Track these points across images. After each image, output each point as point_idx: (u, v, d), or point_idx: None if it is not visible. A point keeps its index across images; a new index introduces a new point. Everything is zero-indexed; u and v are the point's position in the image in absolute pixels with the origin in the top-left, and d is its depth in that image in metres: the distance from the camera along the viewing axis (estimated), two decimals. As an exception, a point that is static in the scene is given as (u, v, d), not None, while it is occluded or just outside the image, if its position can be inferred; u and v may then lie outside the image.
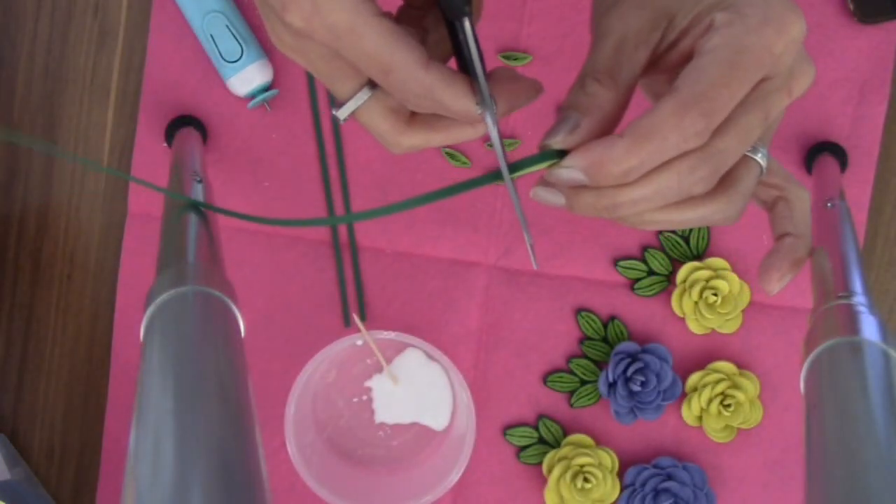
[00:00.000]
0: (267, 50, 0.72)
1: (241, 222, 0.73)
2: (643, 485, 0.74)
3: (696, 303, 0.73)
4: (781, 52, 0.39)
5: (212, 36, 0.70)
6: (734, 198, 0.42)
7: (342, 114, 0.43)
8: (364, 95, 0.43)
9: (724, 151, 0.40)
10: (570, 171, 0.40)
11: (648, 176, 0.39)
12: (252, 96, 0.71)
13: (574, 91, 0.43)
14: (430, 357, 0.73)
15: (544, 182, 0.42)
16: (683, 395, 0.75)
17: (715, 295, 0.73)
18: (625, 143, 0.39)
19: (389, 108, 0.44)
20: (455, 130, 0.44)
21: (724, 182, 0.42)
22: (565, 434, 0.75)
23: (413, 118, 0.45)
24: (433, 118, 0.44)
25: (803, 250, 0.47)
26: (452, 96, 0.40)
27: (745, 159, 0.42)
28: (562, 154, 0.40)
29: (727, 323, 0.74)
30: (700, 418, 0.74)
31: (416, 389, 0.74)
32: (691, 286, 0.73)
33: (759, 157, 0.43)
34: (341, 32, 0.40)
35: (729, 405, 0.73)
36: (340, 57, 0.42)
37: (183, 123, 0.72)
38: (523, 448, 0.75)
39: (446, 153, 0.73)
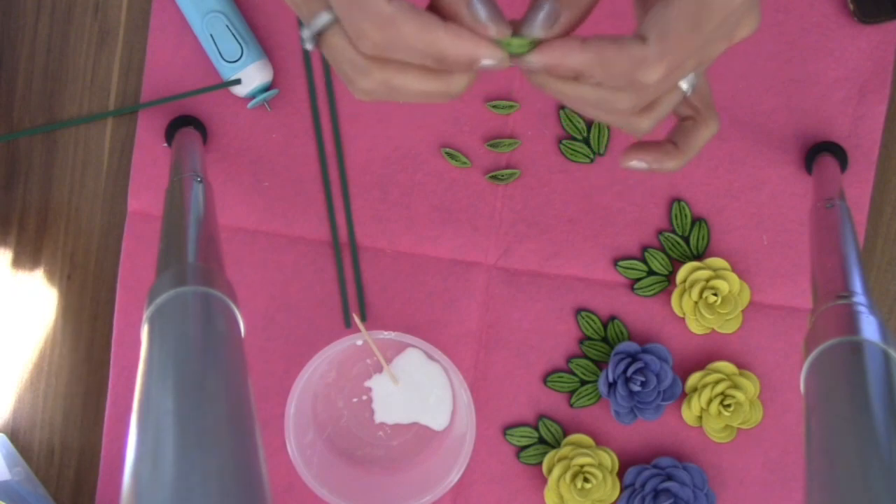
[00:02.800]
0: (267, 50, 0.72)
1: (242, 222, 0.74)
2: (643, 485, 0.74)
3: (696, 303, 0.73)
4: (739, 5, 0.40)
5: (212, 36, 0.70)
6: (651, 115, 0.44)
7: (307, 33, 0.41)
8: (328, 16, 0.41)
9: (658, 89, 0.42)
10: (530, 62, 0.41)
11: (591, 85, 0.42)
12: (252, 96, 0.71)
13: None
14: (430, 357, 0.73)
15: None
16: (683, 395, 0.75)
17: (715, 295, 0.73)
18: (586, 61, 0.40)
19: None
20: (429, 76, 0.41)
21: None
22: (565, 434, 0.75)
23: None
24: (389, 49, 0.41)
25: (672, 163, 0.48)
26: (417, 30, 0.39)
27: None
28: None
29: (727, 323, 0.74)
30: (700, 418, 0.74)
31: (416, 389, 0.74)
32: (691, 286, 0.73)
33: (682, 84, 0.45)
34: None
35: (729, 405, 0.73)
36: None
37: (183, 123, 0.72)
38: (523, 448, 0.75)
39: (446, 153, 0.73)
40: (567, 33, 0.42)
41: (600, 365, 0.75)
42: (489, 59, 0.40)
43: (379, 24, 0.39)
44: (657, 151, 0.48)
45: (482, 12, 0.40)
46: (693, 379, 0.74)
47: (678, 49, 0.41)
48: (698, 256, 0.74)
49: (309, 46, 0.42)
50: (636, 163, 0.48)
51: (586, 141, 0.74)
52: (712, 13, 0.40)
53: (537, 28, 0.41)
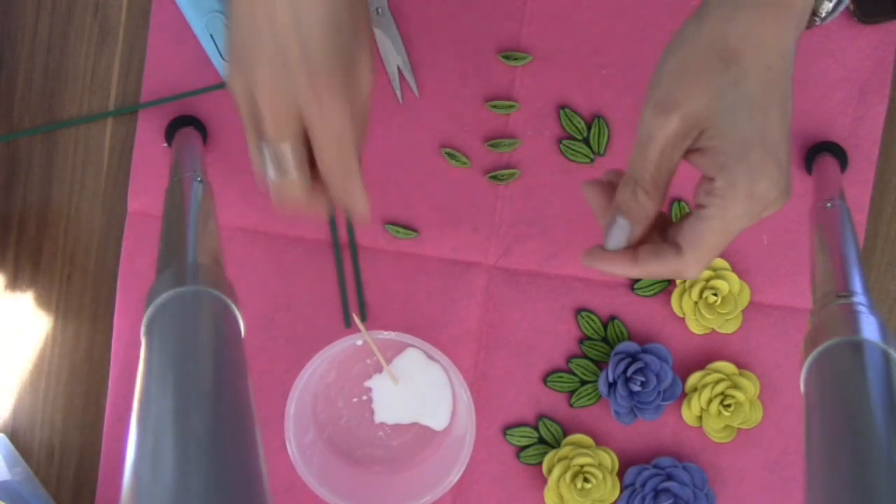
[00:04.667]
0: (267, 50, 0.72)
1: (242, 222, 0.74)
2: (643, 485, 0.74)
3: (696, 303, 0.73)
4: (760, 215, 0.49)
5: (212, 36, 0.70)
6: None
7: (275, 153, 0.52)
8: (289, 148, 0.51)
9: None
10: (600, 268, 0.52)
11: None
12: (252, 96, 0.71)
13: (625, 195, 0.50)
14: (430, 357, 0.73)
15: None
16: (683, 395, 0.75)
17: (715, 295, 0.73)
18: (636, 274, 0.51)
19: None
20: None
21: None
22: (565, 434, 0.75)
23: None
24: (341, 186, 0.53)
25: (634, 271, 0.53)
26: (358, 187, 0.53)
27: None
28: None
29: (727, 323, 0.74)
30: (700, 418, 0.74)
31: (416, 389, 0.74)
32: (691, 286, 0.73)
33: None
34: (324, 99, 0.50)
35: (729, 405, 0.73)
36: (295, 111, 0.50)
37: (183, 123, 0.72)
38: (523, 448, 0.75)
39: (446, 153, 0.73)
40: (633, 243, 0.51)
41: (600, 365, 0.75)
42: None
43: (349, 168, 0.52)
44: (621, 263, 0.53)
45: (271, 171, 0.52)
46: (693, 379, 0.74)
47: (710, 254, 0.50)
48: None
49: (268, 168, 0.52)
50: (590, 262, 0.53)
51: (586, 141, 0.74)
52: (739, 227, 0.49)
53: (611, 245, 0.51)
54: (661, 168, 0.49)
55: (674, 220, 0.74)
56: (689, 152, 0.49)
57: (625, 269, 0.51)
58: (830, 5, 0.51)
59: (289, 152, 0.51)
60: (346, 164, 0.52)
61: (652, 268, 0.50)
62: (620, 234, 0.50)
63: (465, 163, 0.74)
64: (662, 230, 0.53)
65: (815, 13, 0.51)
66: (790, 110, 0.48)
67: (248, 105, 0.52)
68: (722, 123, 0.47)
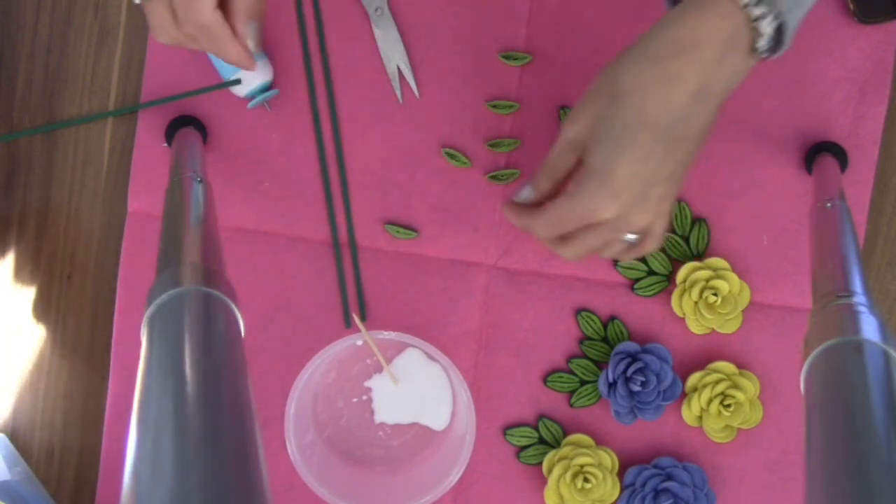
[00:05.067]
0: (267, 50, 0.72)
1: (242, 222, 0.74)
2: (643, 485, 0.74)
3: (696, 303, 0.73)
4: (599, 219, 0.57)
5: (212, 36, 0.70)
6: (601, 254, 0.62)
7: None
8: None
9: (573, 252, 0.61)
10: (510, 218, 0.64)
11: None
12: (252, 96, 0.71)
13: (540, 176, 0.61)
14: (430, 357, 0.73)
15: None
16: (683, 395, 0.75)
17: (715, 295, 0.73)
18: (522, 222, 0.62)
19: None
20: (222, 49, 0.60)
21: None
22: (565, 434, 0.75)
23: None
24: (198, 36, 0.59)
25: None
26: (220, 37, 0.59)
27: (616, 240, 0.60)
28: None
29: (727, 323, 0.74)
30: (700, 418, 0.74)
31: (416, 389, 0.74)
32: (691, 286, 0.73)
33: (628, 238, 0.60)
34: None
35: (729, 405, 0.73)
36: None
37: (183, 123, 0.72)
38: (523, 448, 0.75)
39: (446, 153, 0.73)
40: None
41: (600, 365, 0.75)
42: (246, 68, 0.62)
43: (201, 20, 0.57)
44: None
45: (251, 38, 0.60)
46: (693, 379, 0.74)
47: (561, 224, 0.60)
48: (698, 256, 0.74)
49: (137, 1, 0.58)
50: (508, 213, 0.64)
51: (586, 141, 0.74)
52: (576, 216, 0.59)
53: (518, 197, 0.62)
54: (557, 162, 0.59)
55: (674, 219, 0.74)
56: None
57: (511, 215, 0.62)
58: (764, 42, 0.53)
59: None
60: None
61: (522, 218, 0.62)
62: (527, 194, 0.62)
63: (465, 163, 0.74)
64: None
65: (756, 49, 0.54)
66: (659, 154, 0.55)
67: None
68: (595, 147, 0.56)
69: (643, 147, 0.55)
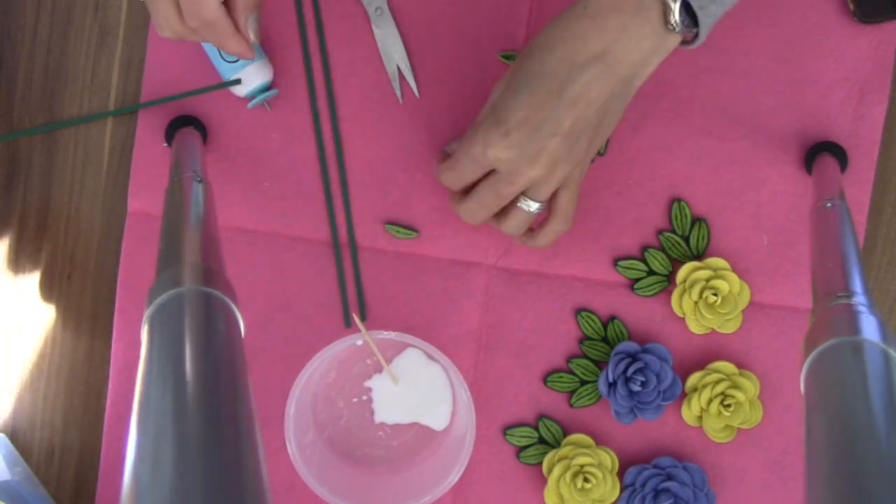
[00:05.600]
0: (267, 50, 0.72)
1: (242, 222, 0.74)
2: (643, 485, 0.74)
3: (696, 303, 0.73)
4: (490, 160, 0.62)
5: (212, 36, 0.70)
6: (503, 226, 0.67)
7: None
8: None
9: (469, 208, 0.66)
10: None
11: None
12: (252, 96, 0.71)
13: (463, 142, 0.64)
14: (430, 357, 0.73)
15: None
16: (683, 395, 0.75)
17: (715, 295, 0.73)
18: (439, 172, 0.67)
19: None
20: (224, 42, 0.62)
21: (499, 215, 0.67)
22: (565, 434, 0.75)
23: None
24: (201, 29, 0.61)
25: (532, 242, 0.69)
26: (223, 30, 0.61)
27: (515, 207, 0.65)
28: None
29: (727, 323, 0.74)
30: (700, 418, 0.74)
31: (416, 389, 0.74)
32: (691, 286, 0.73)
33: (526, 206, 0.64)
34: None
35: (729, 405, 0.73)
36: None
37: (183, 123, 0.72)
38: (523, 448, 0.75)
39: (447, 153, 0.73)
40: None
41: (600, 365, 0.75)
42: (247, 59, 0.64)
43: (205, 14, 0.59)
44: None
45: (252, 31, 0.62)
46: (693, 379, 0.74)
47: (457, 176, 0.67)
48: (698, 256, 0.74)
49: None
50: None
51: (586, 141, 0.74)
52: (470, 159, 0.64)
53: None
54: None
55: (674, 219, 0.74)
56: None
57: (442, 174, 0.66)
58: (675, 18, 0.57)
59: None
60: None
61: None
62: (454, 146, 0.67)
63: None
64: None
65: (669, 25, 0.58)
66: (552, 104, 0.59)
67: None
68: (498, 91, 0.62)
69: (538, 94, 0.59)
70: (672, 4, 0.56)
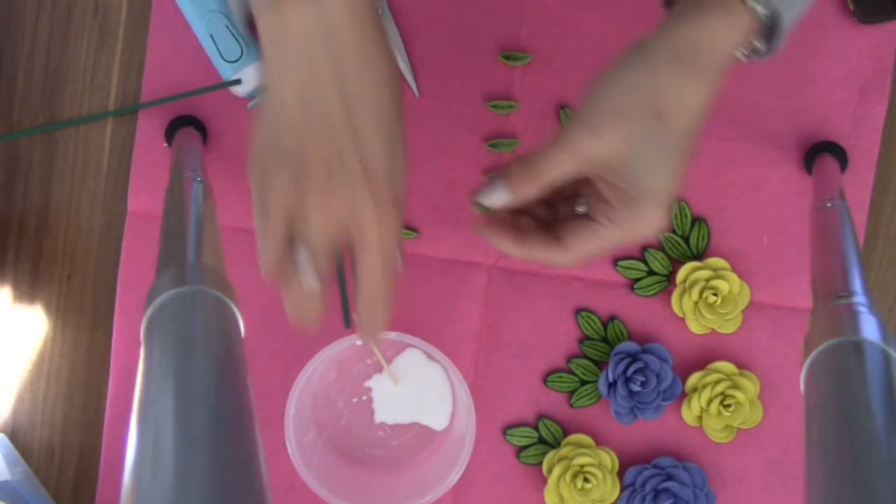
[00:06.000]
0: (267, 50, 0.72)
1: (242, 222, 0.73)
2: (643, 485, 0.74)
3: (696, 303, 0.73)
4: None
5: (212, 36, 0.70)
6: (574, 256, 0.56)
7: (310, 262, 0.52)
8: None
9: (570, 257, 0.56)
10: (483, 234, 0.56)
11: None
12: (252, 96, 0.71)
13: (520, 173, 0.54)
14: (430, 357, 0.73)
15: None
16: (683, 395, 0.75)
17: (715, 295, 0.73)
18: (521, 256, 0.56)
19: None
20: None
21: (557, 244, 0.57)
22: (565, 434, 0.75)
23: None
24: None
25: (558, 259, 0.57)
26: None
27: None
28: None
29: (727, 323, 0.74)
30: (700, 418, 0.74)
31: (416, 389, 0.74)
32: (691, 286, 0.73)
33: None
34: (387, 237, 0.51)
35: (729, 405, 0.73)
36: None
37: (183, 123, 0.72)
38: (523, 448, 0.75)
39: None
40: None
41: (600, 365, 0.75)
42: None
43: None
44: (535, 244, 0.56)
45: (311, 278, 0.51)
46: (693, 379, 0.74)
47: (588, 257, 0.55)
48: (698, 256, 0.74)
49: (303, 263, 0.52)
50: (494, 240, 0.56)
51: (586, 141, 0.74)
52: (615, 245, 0.54)
53: (486, 199, 0.55)
54: (558, 173, 0.53)
55: (674, 219, 0.74)
56: (595, 177, 0.53)
57: (509, 247, 0.55)
58: (762, 42, 0.54)
59: (326, 259, 0.51)
60: (389, 284, 0.52)
61: (536, 253, 0.55)
62: (500, 196, 0.54)
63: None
64: (547, 221, 0.57)
65: (756, 51, 0.54)
66: (690, 162, 0.53)
67: (282, 203, 0.50)
68: (635, 169, 0.52)
69: (687, 160, 0.53)
70: (763, 30, 0.52)
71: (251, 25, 0.64)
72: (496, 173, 0.54)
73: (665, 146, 0.51)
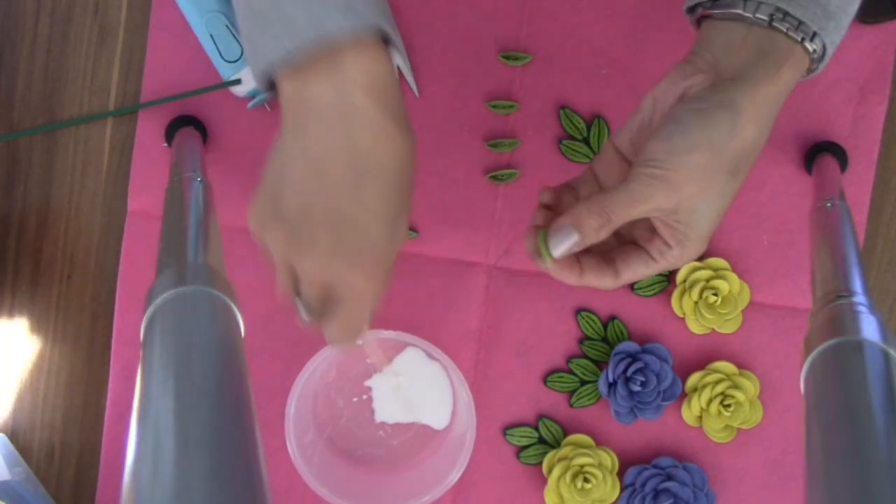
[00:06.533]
0: (267, 50, 0.72)
1: (242, 222, 0.73)
2: (643, 485, 0.74)
3: (696, 303, 0.73)
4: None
5: (212, 36, 0.70)
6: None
7: (307, 310, 0.55)
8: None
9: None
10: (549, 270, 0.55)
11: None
12: (252, 96, 0.71)
13: (590, 219, 0.52)
14: (431, 356, 0.73)
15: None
16: (683, 395, 0.75)
17: (715, 295, 0.73)
18: (585, 283, 0.56)
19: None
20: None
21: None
22: (565, 434, 0.75)
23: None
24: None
25: (605, 283, 0.57)
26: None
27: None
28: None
29: (727, 323, 0.74)
30: (700, 418, 0.74)
31: (417, 388, 0.74)
32: (691, 286, 0.73)
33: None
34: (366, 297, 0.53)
35: (729, 405, 0.73)
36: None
37: (183, 123, 0.72)
38: (523, 448, 0.75)
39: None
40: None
41: (600, 365, 0.75)
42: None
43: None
44: (592, 268, 0.56)
45: (304, 314, 0.54)
46: (693, 379, 0.74)
47: (634, 281, 0.57)
48: (698, 256, 0.74)
49: (304, 315, 0.55)
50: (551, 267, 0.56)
51: (586, 141, 0.74)
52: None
53: (559, 251, 0.54)
54: (629, 217, 0.53)
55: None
56: (656, 218, 0.54)
57: (568, 277, 0.55)
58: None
59: (316, 303, 0.54)
60: (355, 329, 0.55)
61: (591, 281, 0.56)
62: (569, 244, 0.54)
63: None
64: (604, 250, 0.57)
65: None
66: None
67: (279, 255, 0.53)
68: (697, 215, 0.52)
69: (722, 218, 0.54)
70: (815, 62, 0.54)
71: None
72: (565, 222, 0.53)
73: (729, 196, 0.52)
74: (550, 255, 0.54)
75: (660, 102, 0.54)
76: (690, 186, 0.51)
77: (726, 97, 0.51)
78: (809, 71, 0.54)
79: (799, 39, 0.52)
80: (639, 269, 0.55)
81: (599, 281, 0.56)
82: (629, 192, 0.52)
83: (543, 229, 0.55)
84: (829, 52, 0.53)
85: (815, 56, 0.53)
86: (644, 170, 0.51)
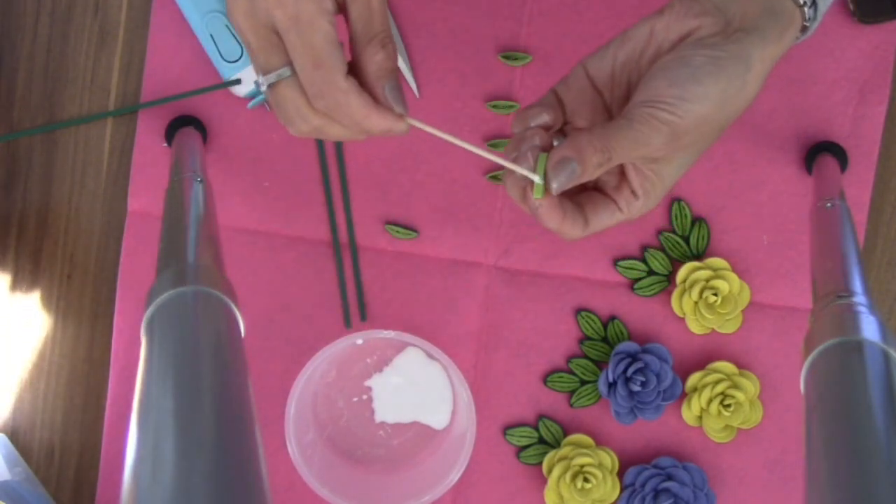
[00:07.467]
0: (267, 50, 0.72)
1: (242, 222, 0.74)
2: (643, 485, 0.74)
3: (696, 303, 0.73)
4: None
5: (212, 36, 0.70)
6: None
7: (268, 80, 0.50)
8: (288, 71, 0.49)
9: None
10: (537, 213, 0.51)
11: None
12: (252, 96, 0.71)
13: (595, 155, 0.49)
14: (430, 356, 0.73)
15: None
16: (683, 395, 0.75)
17: (715, 295, 0.73)
18: (578, 235, 0.53)
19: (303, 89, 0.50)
20: (353, 129, 0.52)
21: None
22: (565, 434, 0.75)
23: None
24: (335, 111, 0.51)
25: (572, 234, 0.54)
26: (361, 106, 0.50)
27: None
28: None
29: (727, 323, 0.74)
30: (700, 418, 0.74)
31: (417, 388, 0.74)
32: (691, 286, 0.73)
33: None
34: (302, 19, 0.47)
35: (729, 405, 0.73)
36: (276, 35, 0.49)
37: (183, 123, 0.72)
38: (523, 448, 0.75)
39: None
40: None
41: (600, 365, 0.75)
42: (399, 132, 0.51)
43: (334, 92, 0.49)
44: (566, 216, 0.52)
45: (395, 100, 0.50)
46: (693, 379, 0.74)
47: (599, 230, 0.53)
48: (698, 256, 0.74)
49: (263, 89, 0.50)
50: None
51: (586, 141, 0.74)
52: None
53: (556, 184, 0.49)
54: (627, 160, 0.50)
55: (674, 219, 0.74)
56: (631, 163, 0.51)
57: (551, 220, 0.51)
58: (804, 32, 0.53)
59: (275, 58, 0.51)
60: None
61: (565, 228, 0.52)
62: (569, 176, 0.49)
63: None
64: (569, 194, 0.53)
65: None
66: None
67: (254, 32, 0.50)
68: (672, 167, 0.51)
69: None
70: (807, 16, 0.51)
71: None
72: (567, 154, 0.49)
73: (701, 154, 0.51)
74: (547, 185, 0.49)
75: (658, 36, 0.50)
76: (688, 137, 0.48)
77: (743, 50, 0.48)
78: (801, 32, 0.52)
79: (801, 3, 0.50)
80: (604, 220, 0.52)
81: (571, 229, 0.51)
82: (634, 132, 0.48)
83: (544, 153, 0.50)
84: (814, 25, 0.52)
85: (806, 23, 0.51)
86: (651, 111, 0.48)
